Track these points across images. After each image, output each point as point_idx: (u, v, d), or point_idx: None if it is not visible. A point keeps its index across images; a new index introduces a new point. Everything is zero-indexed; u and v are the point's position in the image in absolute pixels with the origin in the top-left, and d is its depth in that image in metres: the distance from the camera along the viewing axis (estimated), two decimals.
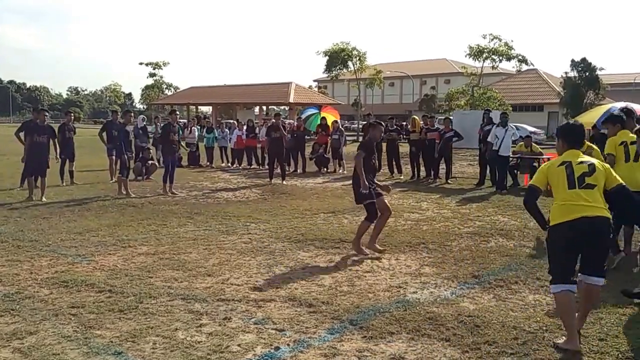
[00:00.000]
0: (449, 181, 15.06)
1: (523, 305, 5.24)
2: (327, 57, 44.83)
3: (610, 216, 4.36)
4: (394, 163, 16.77)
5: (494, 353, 4.16)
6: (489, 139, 13.66)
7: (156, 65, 62.07)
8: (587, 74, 41.32)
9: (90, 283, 5.76)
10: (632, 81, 59.72)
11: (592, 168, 4.38)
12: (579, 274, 4.40)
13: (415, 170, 15.99)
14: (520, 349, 4.23)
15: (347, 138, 20.46)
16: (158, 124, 19.60)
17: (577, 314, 4.40)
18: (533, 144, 15.01)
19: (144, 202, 11.18)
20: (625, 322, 4.74)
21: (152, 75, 62.86)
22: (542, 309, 5.12)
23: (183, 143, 19.49)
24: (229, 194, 12.71)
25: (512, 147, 13.91)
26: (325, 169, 18.08)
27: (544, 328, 4.61)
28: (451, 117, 16.95)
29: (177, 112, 14.45)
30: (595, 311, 4.96)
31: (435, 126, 16.31)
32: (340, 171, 17.83)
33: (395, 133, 16.72)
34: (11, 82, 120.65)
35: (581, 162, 4.41)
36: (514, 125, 15.20)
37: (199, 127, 23.53)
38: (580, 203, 4.27)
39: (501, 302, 5.31)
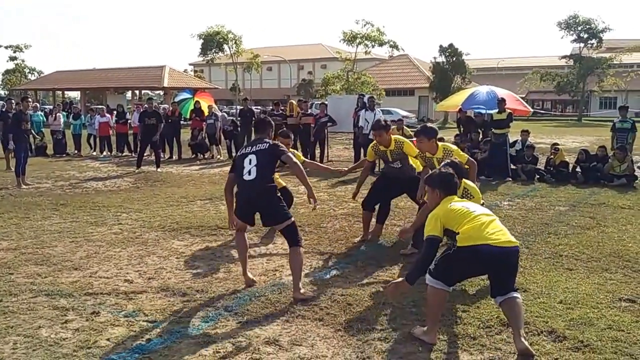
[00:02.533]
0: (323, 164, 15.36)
1: (393, 281, 5.46)
2: (202, 40, 43.94)
3: None
4: None
5: (364, 330, 4.31)
6: (360, 123, 14.17)
7: (17, 48, 58.11)
8: (454, 59, 43.94)
9: None
10: (496, 66, 64.31)
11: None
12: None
13: None
14: (388, 324, 4.41)
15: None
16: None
17: None
18: (405, 127, 15.68)
19: (4, 194, 10.37)
20: (486, 293, 5.08)
21: (12, 59, 58.80)
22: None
23: (44, 130, 18.33)
24: (98, 183, 12.09)
25: None
26: (202, 156, 17.68)
27: (412, 303, 4.83)
28: (326, 102, 17.27)
29: (30, 99, 13.63)
30: (459, 284, 5.30)
31: (309, 111, 16.55)
32: (218, 157, 17.57)
33: (280, 118, 16.67)
34: None
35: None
36: (389, 109, 15.76)
37: (65, 114, 22.07)
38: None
39: (372, 280, 5.52)
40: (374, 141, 7.00)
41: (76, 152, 19.03)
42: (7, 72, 60.80)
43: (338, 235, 7.28)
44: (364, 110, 14.19)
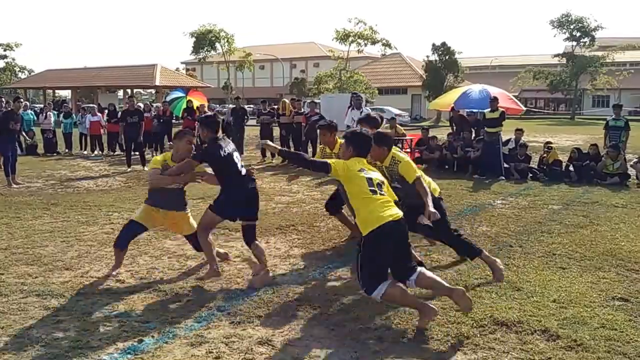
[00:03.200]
0: None
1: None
2: (194, 39, 43.83)
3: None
4: None
5: (358, 330, 4.29)
6: (345, 122, 14.16)
7: (7, 47, 57.43)
8: (447, 57, 43.95)
9: None
10: (489, 64, 64.40)
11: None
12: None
13: None
14: (383, 324, 4.40)
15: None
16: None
17: None
18: (397, 125, 15.72)
19: None
20: (479, 292, 5.09)
21: (2, 57, 58.26)
22: None
23: (34, 129, 18.21)
24: (89, 182, 12.01)
25: None
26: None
27: None
28: (317, 101, 17.24)
29: (22, 100, 13.56)
30: (452, 283, 5.29)
31: (302, 110, 16.51)
32: None
33: (269, 117, 16.66)
34: None
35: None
36: (382, 108, 15.70)
37: (55, 112, 21.91)
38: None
39: None
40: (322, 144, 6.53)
41: (67, 151, 18.92)
42: None
43: (331, 235, 7.26)
44: (349, 109, 14.17)
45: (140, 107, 16.84)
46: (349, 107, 14.73)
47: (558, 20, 48.89)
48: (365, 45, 39.42)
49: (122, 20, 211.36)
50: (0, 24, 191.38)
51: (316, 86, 40.36)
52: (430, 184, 5.57)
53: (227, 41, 44.53)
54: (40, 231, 7.38)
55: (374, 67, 55.35)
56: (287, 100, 17.10)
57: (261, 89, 68.78)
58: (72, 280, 5.42)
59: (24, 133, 16.29)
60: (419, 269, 4.43)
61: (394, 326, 4.35)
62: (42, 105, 30.26)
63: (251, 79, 69.72)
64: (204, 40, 43.66)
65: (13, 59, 59.63)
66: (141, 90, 54.29)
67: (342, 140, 4.95)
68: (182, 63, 78.66)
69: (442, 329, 4.29)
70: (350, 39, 38.28)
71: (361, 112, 13.78)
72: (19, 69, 60.90)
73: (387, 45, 40.00)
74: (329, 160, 4.60)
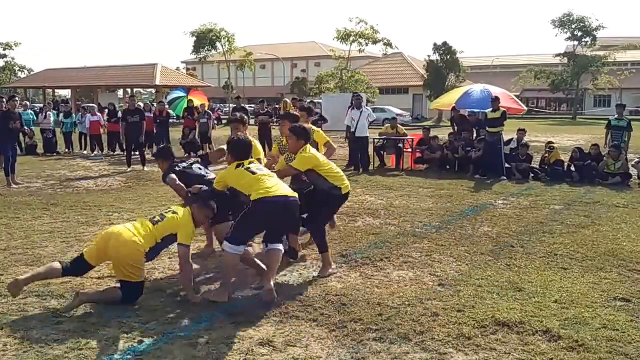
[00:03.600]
0: None
1: (387, 281, 5.44)
2: (194, 38, 43.78)
3: None
4: (266, 147, 16.73)
5: (359, 330, 4.28)
6: (346, 122, 14.17)
7: (7, 46, 56.97)
8: (448, 57, 43.85)
9: None
10: (490, 64, 64.32)
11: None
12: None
13: None
14: (384, 324, 4.38)
15: (218, 121, 20.09)
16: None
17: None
18: (399, 125, 15.68)
19: None
20: (481, 292, 5.07)
21: (2, 56, 57.78)
22: (406, 284, 5.35)
23: (34, 129, 18.14)
24: (89, 182, 12.00)
25: (376, 128, 14.41)
26: (194, 154, 17.55)
27: (407, 303, 4.81)
28: (316, 101, 17.20)
29: (17, 99, 13.53)
30: (454, 284, 5.29)
31: None
32: None
33: (267, 117, 16.63)
34: None
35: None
36: (383, 108, 15.57)
37: (55, 112, 21.84)
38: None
39: (367, 280, 5.49)
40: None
41: (67, 151, 18.90)
42: None
43: (332, 235, 7.21)
44: (349, 109, 14.17)
45: (140, 106, 16.82)
46: (349, 107, 14.73)
47: (560, 19, 48.82)
48: (367, 45, 39.45)
49: (123, 19, 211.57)
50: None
51: (317, 86, 40.33)
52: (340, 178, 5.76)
53: (228, 40, 44.52)
54: (40, 232, 7.37)
55: (375, 67, 55.27)
56: (288, 100, 17.06)
57: (262, 89, 68.71)
58: (72, 281, 5.38)
59: (26, 128, 16.23)
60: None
61: (395, 327, 4.33)
62: (41, 105, 30.17)
63: (252, 78, 69.68)
64: (204, 39, 43.65)
65: (13, 59, 59.21)
66: (141, 90, 54.17)
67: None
68: (182, 63, 78.62)
69: (443, 330, 4.27)
70: (351, 38, 38.28)
71: (361, 112, 13.80)
72: (18, 69, 60.37)
73: (389, 45, 40.00)
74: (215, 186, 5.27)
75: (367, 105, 14.69)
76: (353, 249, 6.60)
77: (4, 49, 57.21)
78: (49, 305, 4.75)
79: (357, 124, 13.74)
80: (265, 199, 4.78)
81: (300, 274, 5.68)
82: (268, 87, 71.10)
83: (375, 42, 39.24)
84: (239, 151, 5.18)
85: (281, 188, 4.95)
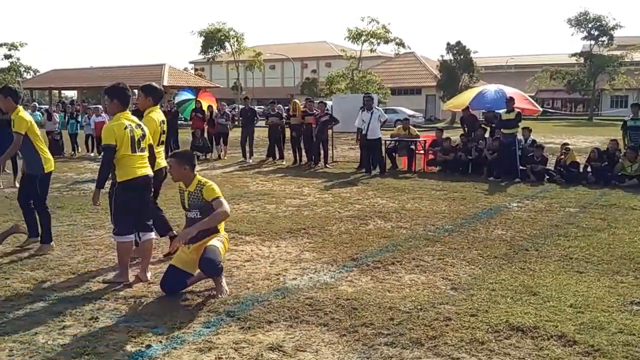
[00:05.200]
0: (327, 165, 15.21)
1: (399, 285, 5.35)
2: (202, 38, 43.65)
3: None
4: (276, 149, 16.71)
5: (370, 335, 4.20)
6: (356, 124, 14.01)
7: (12, 46, 56.65)
8: (462, 57, 43.59)
9: None
10: (505, 64, 63.85)
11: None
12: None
13: (297, 155, 15.99)
14: (396, 329, 4.29)
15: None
16: None
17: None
18: (410, 126, 15.54)
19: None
20: (495, 297, 4.98)
21: (7, 57, 57.48)
22: (418, 288, 5.26)
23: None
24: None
25: (388, 129, 14.23)
26: (204, 156, 17.46)
27: (419, 307, 4.72)
28: (326, 102, 17.06)
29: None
30: (467, 288, 5.19)
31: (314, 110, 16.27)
32: (225, 157, 17.43)
33: (277, 118, 16.57)
34: None
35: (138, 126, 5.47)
36: (395, 108, 15.28)
37: (62, 114, 21.73)
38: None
39: (378, 284, 5.40)
40: None
41: (72, 152, 18.78)
42: (1, 70, 59.18)
43: (343, 239, 7.15)
44: (360, 111, 14.00)
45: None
46: (361, 109, 14.61)
47: (576, 18, 48.39)
48: (378, 44, 39.20)
49: (130, 19, 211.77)
50: (4, 23, 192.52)
51: (328, 86, 40.16)
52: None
53: (237, 40, 44.33)
54: None
55: (387, 67, 55.04)
56: (297, 101, 16.99)
57: (271, 89, 68.64)
58: (78, 284, 5.36)
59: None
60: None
61: (406, 331, 4.24)
62: (47, 106, 29.87)
63: (261, 79, 69.63)
64: (213, 39, 43.44)
65: (18, 59, 58.58)
66: None
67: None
68: (190, 63, 78.55)
69: (456, 334, 4.18)
70: (362, 38, 38.04)
71: (372, 114, 13.61)
72: (24, 69, 59.71)
73: (401, 44, 39.71)
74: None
75: (378, 106, 14.45)
76: (364, 252, 6.52)
77: (9, 49, 56.69)
78: (55, 310, 4.71)
79: (368, 126, 13.57)
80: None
81: (310, 277, 5.60)
82: (277, 88, 70.97)
83: (387, 42, 38.98)
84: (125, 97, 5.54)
85: None
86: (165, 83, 44.61)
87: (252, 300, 4.94)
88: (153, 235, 5.69)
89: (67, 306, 4.79)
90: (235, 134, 19.41)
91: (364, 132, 13.71)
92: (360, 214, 8.65)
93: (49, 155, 6.61)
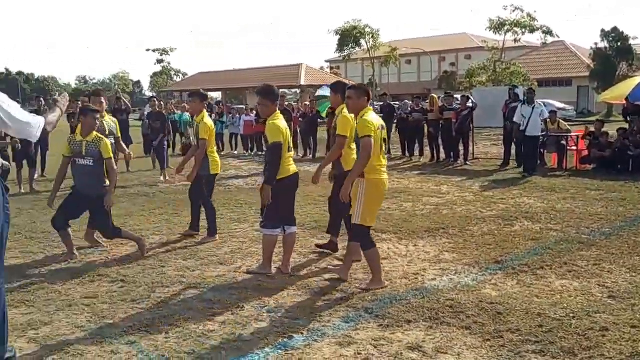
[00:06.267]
0: (467, 162, 14.65)
1: (549, 291, 5.01)
2: (338, 36, 44.07)
3: None
4: (416, 145, 16.44)
5: (517, 341, 3.97)
6: (514, 119, 13.14)
7: (163, 52, 61.12)
8: (619, 43, 39.96)
9: (102, 274, 5.69)
10: None
11: None
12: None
13: (435, 152, 15.59)
14: (545, 337, 4.03)
15: None
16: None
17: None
18: (560, 120, 14.51)
19: (155, 192, 11.09)
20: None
21: (159, 61, 61.97)
22: (570, 294, 4.89)
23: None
24: (240, 181, 12.57)
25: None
26: None
27: (572, 315, 4.39)
28: (468, 95, 16.44)
29: (156, 99, 14.44)
30: (627, 297, 4.74)
31: (454, 105, 15.72)
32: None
33: (420, 114, 16.21)
34: (20, 73, 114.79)
35: None
36: (542, 101, 14.15)
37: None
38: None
39: (525, 288, 5.10)
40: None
41: (219, 151, 19.74)
42: (154, 74, 64.08)
43: (486, 240, 6.84)
44: (520, 104, 13.13)
45: (292, 106, 17.24)
46: (507, 102, 13.89)
47: None
48: (523, 33, 37.18)
49: (268, 22, 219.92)
50: (156, 29, 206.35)
51: (468, 79, 38.84)
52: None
53: (372, 37, 44.23)
54: None
55: (533, 58, 51.79)
56: (435, 96, 16.58)
57: (407, 85, 67.63)
58: (226, 274, 5.64)
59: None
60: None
61: (557, 340, 3.96)
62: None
63: (396, 74, 68.82)
64: (348, 37, 43.69)
65: (169, 63, 62.90)
66: (286, 90, 55.99)
67: None
68: (325, 61, 79.76)
69: (614, 346, 3.86)
70: (505, 27, 36.32)
71: (533, 108, 12.69)
72: (174, 73, 64.20)
73: (548, 32, 37.31)
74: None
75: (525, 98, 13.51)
76: (509, 254, 6.18)
77: (161, 54, 61.19)
78: (205, 297, 4.98)
79: (527, 121, 12.55)
80: None
81: (451, 279, 5.42)
82: (414, 83, 69.70)
83: (532, 31, 36.81)
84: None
85: None
86: (302, 82, 45.72)
87: (391, 298, 4.88)
88: (296, 229, 5.81)
89: (216, 295, 5.04)
90: None
91: (522, 127, 12.71)
92: (504, 214, 8.25)
93: (217, 159, 7.22)
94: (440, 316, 4.45)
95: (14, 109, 3.62)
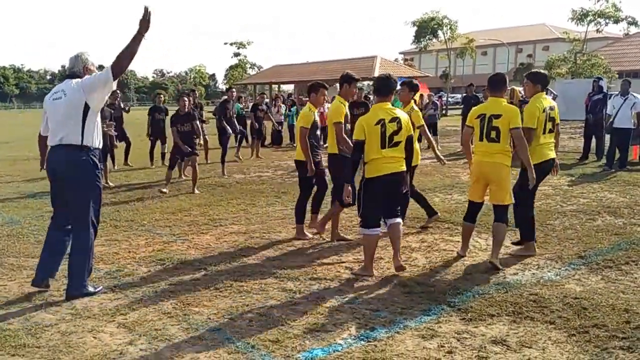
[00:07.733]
0: None
1: (635, 287, 4.87)
2: (415, 28, 43.53)
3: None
4: None
5: (603, 337, 3.90)
6: (608, 111, 12.60)
7: (240, 45, 61.78)
8: None
9: (185, 261, 5.93)
10: None
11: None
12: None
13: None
14: (633, 333, 3.94)
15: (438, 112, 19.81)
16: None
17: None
18: None
19: (232, 182, 11.40)
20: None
21: (236, 55, 62.72)
22: None
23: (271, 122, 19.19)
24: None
25: None
26: None
27: None
28: (548, 87, 15.89)
29: (234, 90, 14.55)
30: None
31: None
32: (438, 147, 17.27)
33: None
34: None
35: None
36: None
37: (284, 106, 22.87)
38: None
39: (610, 284, 4.97)
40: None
41: (290, 143, 19.71)
42: (230, 67, 64.61)
43: (568, 234, 6.67)
44: (613, 96, 12.52)
45: (369, 98, 17.17)
46: (590, 94, 13.38)
47: None
48: (606, 24, 35.56)
49: (341, 14, 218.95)
50: (234, 24, 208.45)
51: (547, 71, 37.55)
52: None
53: (450, 28, 43.45)
54: (274, 217, 8.00)
55: (615, 49, 49.31)
56: (516, 88, 16.12)
57: (481, 76, 65.76)
58: (305, 265, 5.75)
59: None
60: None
61: None
62: (268, 99, 31.95)
63: (471, 66, 67.34)
64: (426, 28, 43.10)
65: (245, 56, 63.52)
66: (359, 83, 55.54)
67: None
68: (400, 53, 78.91)
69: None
70: (588, 18, 34.83)
71: (625, 99, 12.14)
72: (249, 66, 64.75)
73: (633, 23, 35.56)
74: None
75: (608, 91, 12.94)
76: (592, 249, 6.02)
77: (238, 48, 61.98)
78: (286, 287, 5.10)
79: (617, 112, 11.95)
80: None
81: (533, 273, 5.34)
82: (488, 74, 67.66)
83: (616, 21, 35.19)
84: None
85: None
86: (376, 74, 45.12)
87: (472, 292, 4.86)
88: (399, 219, 5.52)
89: (296, 284, 5.16)
90: (442, 122, 19.09)
91: (612, 118, 12.12)
92: (585, 208, 8.00)
93: (418, 150, 7.19)
94: (524, 310, 4.40)
95: (97, 74, 5.29)
